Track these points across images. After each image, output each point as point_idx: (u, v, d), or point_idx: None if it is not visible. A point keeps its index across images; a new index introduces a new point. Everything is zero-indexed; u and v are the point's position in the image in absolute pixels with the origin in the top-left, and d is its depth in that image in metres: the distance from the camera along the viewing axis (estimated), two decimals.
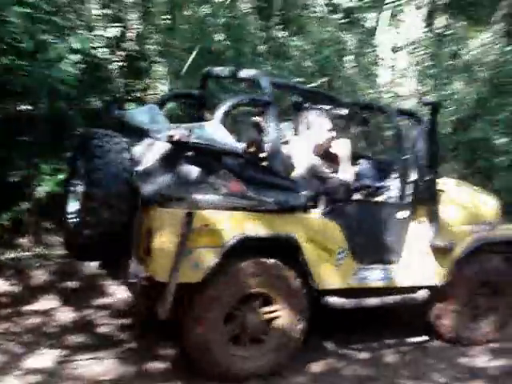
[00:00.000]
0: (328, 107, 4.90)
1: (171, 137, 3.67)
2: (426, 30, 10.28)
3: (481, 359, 4.95)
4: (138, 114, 4.35)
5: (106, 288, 5.40)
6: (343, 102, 5.01)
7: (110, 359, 4.25)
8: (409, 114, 5.05)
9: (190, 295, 3.84)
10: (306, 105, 4.99)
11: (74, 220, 3.86)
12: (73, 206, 3.94)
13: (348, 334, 4.92)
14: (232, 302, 3.96)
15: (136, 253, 3.70)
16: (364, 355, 4.81)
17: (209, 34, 7.16)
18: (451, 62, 10.24)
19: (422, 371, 4.61)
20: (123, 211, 3.66)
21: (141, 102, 6.42)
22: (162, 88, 6.66)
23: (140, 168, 3.77)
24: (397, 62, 9.95)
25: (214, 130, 3.90)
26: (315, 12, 8.90)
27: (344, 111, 4.98)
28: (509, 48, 10.16)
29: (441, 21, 10.73)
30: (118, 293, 5.30)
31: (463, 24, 10.52)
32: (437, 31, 10.38)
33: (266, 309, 4.13)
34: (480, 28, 10.50)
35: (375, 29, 9.85)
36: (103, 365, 4.16)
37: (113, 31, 6.30)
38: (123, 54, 6.52)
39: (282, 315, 4.15)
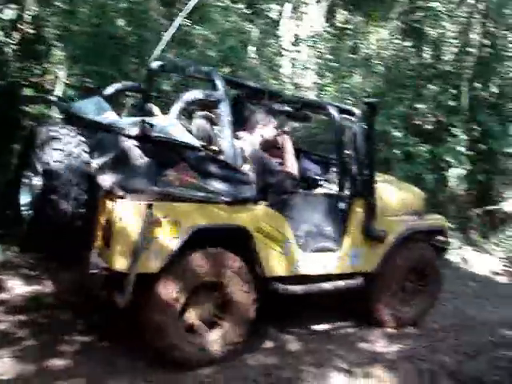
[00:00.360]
0: (273, 104, 5.14)
1: (133, 131, 3.81)
2: (327, 24, 10.50)
3: (380, 344, 5.14)
4: (86, 107, 4.41)
5: (3, 283, 5.13)
6: (288, 99, 5.29)
7: (7, 358, 4.04)
8: (349, 111, 5.25)
9: (149, 285, 3.93)
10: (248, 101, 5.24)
11: (27, 212, 3.89)
12: (25, 198, 3.99)
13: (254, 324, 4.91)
14: (187, 290, 4.08)
15: (95, 244, 3.85)
16: (269, 344, 4.86)
17: (110, 19, 6.95)
18: (351, 56, 10.52)
19: (324, 357, 4.70)
20: (82, 203, 3.77)
21: (38, 87, 6.15)
22: (60, 74, 6.42)
23: (99, 161, 3.87)
24: (299, 54, 10.10)
25: (171, 125, 4.02)
26: (219, 1, 8.87)
27: (288, 108, 5.24)
28: (405, 44, 10.55)
29: (341, 15, 11.01)
30: (16, 288, 5.05)
31: (362, 19, 10.83)
32: (337, 25, 10.63)
33: (219, 297, 4.29)
34: (378, 24, 10.85)
35: (279, 20, 9.95)
36: (1, 363, 3.96)
37: (9, 13, 5.98)
38: (19, 36, 6.20)
39: (233, 303, 4.30)
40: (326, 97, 9.55)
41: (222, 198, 4.14)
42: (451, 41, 11.09)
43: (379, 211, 5.11)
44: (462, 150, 9.61)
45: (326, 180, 5.23)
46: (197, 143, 4.12)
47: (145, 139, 3.83)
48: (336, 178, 5.07)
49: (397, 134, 9.05)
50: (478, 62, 10.82)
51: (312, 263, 4.76)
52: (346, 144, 5.10)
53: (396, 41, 10.80)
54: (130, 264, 3.72)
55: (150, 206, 3.75)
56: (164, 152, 3.94)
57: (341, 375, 4.41)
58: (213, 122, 4.59)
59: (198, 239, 4.03)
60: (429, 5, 10.47)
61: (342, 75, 10.23)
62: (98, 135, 4.06)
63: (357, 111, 5.18)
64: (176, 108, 4.21)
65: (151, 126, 3.83)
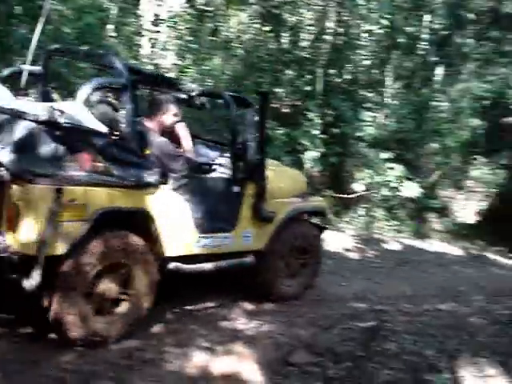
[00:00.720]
0: (171, 91, 5.26)
1: (42, 117, 3.84)
2: (187, 4, 10.44)
3: (240, 322, 5.24)
4: None
5: None
6: (185, 87, 5.31)
7: None
8: (242, 100, 5.51)
9: (57, 267, 3.99)
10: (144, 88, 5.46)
11: None
12: None
13: None
14: (94, 271, 4.17)
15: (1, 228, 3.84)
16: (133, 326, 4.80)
17: None
18: (211, 39, 10.55)
19: (187, 337, 4.72)
20: None
21: None
22: None
23: (5, 145, 3.83)
24: (159, 34, 9.97)
25: (78, 111, 4.09)
26: None
27: (184, 95, 5.29)
28: (264, 29, 10.76)
29: None
30: None
31: (222, 2, 10.88)
32: (197, 7, 10.60)
33: (124, 277, 4.42)
34: (238, 7, 10.95)
35: None
36: None
37: None
38: None
39: (136, 282, 4.46)
40: (186, 78, 9.53)
41: (126, 182, 4.28)
42: (308, 28, 11.49)
43: (269, 194, 5.42)
44: (317, 133, 10.04)
45: (219, 165, 5.38)
46: (103, 129, 4.19)
47: (53, 125, 3.89)
48: (229, 162, 5.26)
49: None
50: (332, 50, 11.32)
51: (208, 243, 5.02)
52: (240, 130, 5.38)
53: (255, 25, 10.99)
54: (39, 247, 3.78)
55: (58, 190, 3.82)
56: (72, 138, 4.01)
57: (202, 354, 4.46)
58: (115, 108, 4.65)
59: (105, 222, 4.17)
60: None
61: (202, 57, 10.25)
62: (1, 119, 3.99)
63: (250, 100, 5.47)
64: (82, 94, 4.24)
65: (61, 112, 3.90)
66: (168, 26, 10.00)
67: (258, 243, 5.49)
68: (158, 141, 4.80)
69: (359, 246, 9.20)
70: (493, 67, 12.59)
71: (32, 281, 3.80)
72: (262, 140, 5.39)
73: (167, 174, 4.69)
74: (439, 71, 12.88)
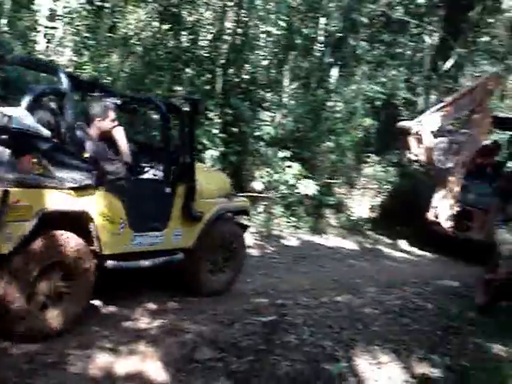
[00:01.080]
0: (105, 97, 5.50)
1: None
2: (85, 0, 10.20)
3: (143, 321, 5.26)
4: None
5: None
6: (119, 93, 5.77)
7: None
8: (175, 107, 5.91)
9: (2, 265, 4.23)
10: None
11: None
12: None
13: None
14: (37, 269, 4.40)
15: None
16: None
17: None
18: (109, 35, 10.37)
19: (90, 339, 4.69)
20: None
21: None
22: None
23: None
24: (55, 30, 9.68)
25: (24, 116, 4.35)
26: None
27: (118, 101, 5.60)
28: (164, 27, 10.71)
29: None
30: None
31: None
32: (95, 3, 10.39)
33: (64, 275, 4.66)
34: (137, 4, 10.83)
35: None
36: None
37: None
38: None
39: (76, 280, 4.73)
40: (84, 75, 9.33)
41: (67, 184, 4.56)
42: (207, 27, 11.54)
43: (197, 195, 5.80)
44: (217, 132, 10.14)
45: (152, 167, 5.77)
46: (46, 133, 4.48)
47: (2, 130, 4.17)
48: (162, 165, 5.65)
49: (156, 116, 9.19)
50: (231, 49, 11.43)
51: (142, 241, 5.36)
52: (172, 135, 5.86)
53: (154, 23, 10.92)
54: None
55: (5, 192, 4.07)
56: (18, 141, 4.29)
57: (106, 355, 4.44)
58: (56, 114, 4.89)
59: (48, 222, 4.41)
60: None
61: (99, 54, 10.05)
62: None
63: (182, 107, 5.87)
64: (26, 100, 4.53)
65: (8, 117, 4.17)
66: (65, 22, 9.74)
67: (187, 241, 5.86)
68: (95, 145, 5.09)
69: (259, 242, 9.41)
70: (384, 69, 13.19)
71: None
72: (191, 144, 5.89)
73: (104, 177, 4.93)
74: (334, 72, 13.32)
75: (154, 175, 5.69)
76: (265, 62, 12.53)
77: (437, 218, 10.49)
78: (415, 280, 8.22)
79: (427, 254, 11.08)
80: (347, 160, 12.60)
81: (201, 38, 11.70)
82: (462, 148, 10.49)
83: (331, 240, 10.89)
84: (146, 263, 5.42)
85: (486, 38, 16.25)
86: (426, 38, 15.69)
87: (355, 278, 8.17)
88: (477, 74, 15.58)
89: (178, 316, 5.47)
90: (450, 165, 10.44)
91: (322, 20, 12.96)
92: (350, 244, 10.90)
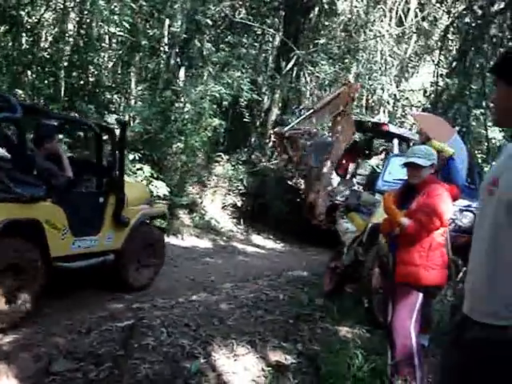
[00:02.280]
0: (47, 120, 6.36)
1: None
2: None
3: None
4: None
5: None
6: (55, 116, 6.74)
7: None
8: (105, 128, 6.98)
9: None
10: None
11: None
12: None
13: None
14: None
15: None
16: None
17: None
18: None
19: None
20: None
21: None
22: None
23: None
24: None
25: None
26: None
27: (56, 122, 6.53)
28: (2, 29, 10.19)
29: None
30: None
31: None
32: None
33: (18, 275, 5.32)
34: None
35: None
36: None
37: None
38: None
39: (28, 279, 5.39)
40: None
41: (22, 197, 5.26)
42: (48, 28, 11.15)
43: (125, 203, 6.66)
44: (61, 137, 9.84)
45: (88, 180, 6.67)
46: (7, 156, 5.38)
47: None
48: (96, 178, 6.61)
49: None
50: (74, 51, 11.14)
51: (81, 245, 6.15)
52: (103, 152, 6.82)
53: None
54: None
55: None
56: None
57: None
58: (9, 137, 5.86)
59: (7, 230, 5.07)
60: None
61: None
62: None
63: (112, 128, 6.98)
64: None
65: None
66: None
67: (117, 244, 6.69)
68: (43, 163, 5.81)
69: None
70: (230, 71, 13.49)
71: None
72: (121, 160, 6.70)
73: (51, 190, 5.68)
74: (181, 74, 13.44)
75: (89, 187, 6.58)
76: (110, 64, 12.35)
77: (312, 212, 11.12)
78: (268, 273, 8.57)
79: (278, 246, 11.56)
80: (198, 160, 12.78)
81: (42, 39, 11.28)
82: (330, 149, 11.39)
83: (186, 240, 11.01)
84: (83, 264, 6.19)
85: (323, 40, 17.16)
86: (269, 39, 16.29)
87: (211, 275, 8.36)
88: (317, 74, 16.43)
89: (31, 329, 5.30)
90: (320, 164, 11.32)
91: (167, 21, 13.01)
92: (204, 243, 11.09)
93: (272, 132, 12.09)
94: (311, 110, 11.52)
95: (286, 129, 11.60)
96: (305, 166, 11.73)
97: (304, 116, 11.79)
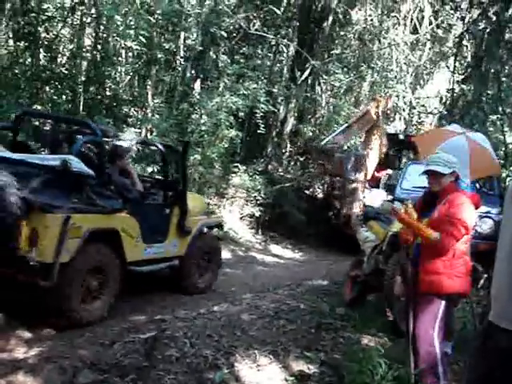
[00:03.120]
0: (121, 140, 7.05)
1: (58, 166, 5.60)
2: None
3: (19, 351, 5.09)
4: None
5: None
6: (126, 138, 7.21)
7: None
8: (170, 147, 7.93)
9: (64, 269, 5.56)
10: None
11: None
12: None
13: None
14: (83, 272, 5.88)
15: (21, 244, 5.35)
16: None
17: None
18: None
19: None
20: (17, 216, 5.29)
21: None
22: None
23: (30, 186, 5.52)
24: None
25: (76, 161, 5.76)
26: None
27: (126, 144, 7.09)
28: (20, 45, 10.34)
29: None
30: None
31: None
32: None
33: (101, 276, 6.10)
34: None
35: None
36: None
37: None
38: None
39: (109, 280, 6.17)
40: None
41: (104, 209, 6.08)
42: (66, 44, 11.29)
43: (187, 214, 7.38)
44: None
45: (155, 194, 7.41)
46: (92, 173, 5.93)
47: (64, 172, 5.63)
48: (162, 192, 7.33)
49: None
50: (91, 66, 11.27)
51: (151, 251, 6.88)
52: (169, 169, 7.74)
53: (10, 42, 10.53)
54: (55, 256, 5.43)
55: (68, 218, 5.50)
56: (75, 180, 5.83)
57: None
58: (91, 157, 6.43)
59: (93, 237, 5.89)
60: (42, 7, 10.48)
61: None
62: (16, 168, 5.64)
63: (176, 148, 7.85)
64: (76, 148, 6.15)
65: (69, 162, 5.61)
66: None
67: (180, 250, 7.40)
68: (119, 179, 6.62)
69: None
70: (245, 82, 13.56)
71: (50, 281, 5.41)
72: (184, 175, 7.54)
73: (126, 203, 6.42)
74: (197, 86, 13.54)
75: (156, 200, 7.31)
76: (127, 78, 12.47)
77: (348, 223, 11.41)
78: (288, 282, 8.57)
79: (297, 255, 11.56)
80: (215, 171, 12.84)
81: (60, 54, 11.43)
82: (364, 162, 11.88)
83: None
84: (153, 268, 6.97)
85: (338, 50, 17.19)
86: (284, 49, 16.34)
87: (231, 286, 8.38)
88: (332, 83, 16.47)
89: (55, 342, 5.35)
90: (356, 176, 11.80)
91: (182, 34, 13.13)
92: (223, 253, 11.02)
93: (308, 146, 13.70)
94: (345, 125, 12.26)
95: (322, 143, 12.75)
96: (340, 178, 12.57)
97: (338, 131, 12.82)
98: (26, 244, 5.37)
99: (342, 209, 12.14)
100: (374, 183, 12.65)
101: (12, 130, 7.10)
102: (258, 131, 14.52)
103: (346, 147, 12.51)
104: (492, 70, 14.17)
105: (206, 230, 7.95)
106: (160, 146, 7.61)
